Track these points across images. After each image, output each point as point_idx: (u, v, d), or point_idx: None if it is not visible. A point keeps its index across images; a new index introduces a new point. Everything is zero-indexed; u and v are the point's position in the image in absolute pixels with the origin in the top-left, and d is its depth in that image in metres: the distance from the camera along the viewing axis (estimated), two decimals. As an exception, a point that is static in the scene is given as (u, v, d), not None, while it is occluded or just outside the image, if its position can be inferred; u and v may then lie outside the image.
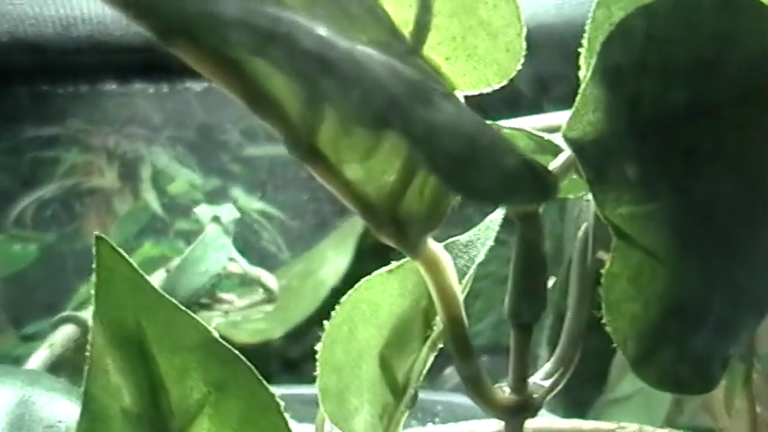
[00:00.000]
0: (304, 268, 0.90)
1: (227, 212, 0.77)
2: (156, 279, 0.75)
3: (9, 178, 1.03)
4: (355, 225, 0.90)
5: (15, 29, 0.78)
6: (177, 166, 1.06)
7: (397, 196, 0.24)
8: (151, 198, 1.06)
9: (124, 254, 0.29)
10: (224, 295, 0.76)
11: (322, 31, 0.17)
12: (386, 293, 0.31)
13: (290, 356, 0.95)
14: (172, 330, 0.29)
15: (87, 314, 0.66)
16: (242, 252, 0.85)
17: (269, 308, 0.78)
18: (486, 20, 0.28)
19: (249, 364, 0.30)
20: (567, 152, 0.31)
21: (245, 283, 0.84)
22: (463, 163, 0.18)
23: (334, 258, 0.87)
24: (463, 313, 0.28)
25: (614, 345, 0.29)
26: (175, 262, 0.73)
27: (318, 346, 0.31)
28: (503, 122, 0.33)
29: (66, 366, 0.62)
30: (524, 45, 0.29)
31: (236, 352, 0.30)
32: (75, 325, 0.64)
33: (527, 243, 0.29)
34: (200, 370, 0.29)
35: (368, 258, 0.89)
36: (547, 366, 0.32)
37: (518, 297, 0.29)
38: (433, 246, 0.26)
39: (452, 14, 0.28)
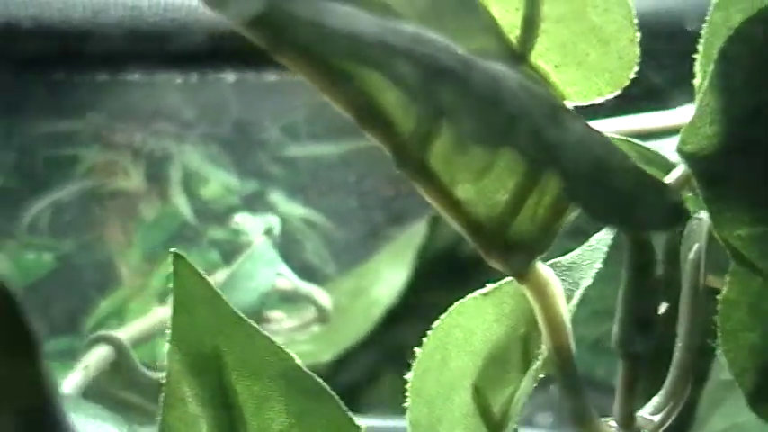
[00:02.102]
0: (355, 285, 0.92)
1: (270, 223, 0.79)
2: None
3: (22, 179, 1.05)
4: (413, 237, 0.91)
5: (40, 14, 0.80)
6: (210, 168, 1.08)
7: (508, 217, 0.26)
8: (181, 203, 1.07)
9: (203, 273, 0.31)
10: (272, 314, 0.78)
11: (458, 48, 0.19)
12: (480, 319, 0.33)
13: (339, 383, 0.97)
14: (252, 357, 0.31)
15: (122, 333, 0.68)
16: (275, 246, 0.86)
17: (316, 328, 0.79)
18: (598, 25, 0.30)
19: (333, 393, 0.32)
20: (680, 167, 0.32)
21: (288, 299, 0.86)
22: (597, 187, 0.20)
23: (389, 275, 0.89)
24: (572, 342, 0.29)
25: (701, 376, 0.31)
26: (219, 276, 0.75)
27: (409, 376, 0.33)
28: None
29: (98, 389, 0.64)
30: (638, 52, 0.30)
31: (320, 380, 0.32)
32: (109, 345, 0.66)
33: (639, 267, 0.30)
34: (282, 399, 0.31)
35: (428, 276, 0.91)
36: (655, 400, 0.34)
37: (629, 325, 0.31)
38: (543, 269, 0.28)
39: (561, 19, 0.30)
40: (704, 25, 0.32)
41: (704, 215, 0.32)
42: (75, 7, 0.80)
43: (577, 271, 0.33)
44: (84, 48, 0.91)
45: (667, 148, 0.37)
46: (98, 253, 1.06)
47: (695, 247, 0.34)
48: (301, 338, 0.82)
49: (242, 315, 0.31)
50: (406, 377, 0.33)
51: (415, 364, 0.33)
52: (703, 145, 0.30)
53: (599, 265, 0.32)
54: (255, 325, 0.31)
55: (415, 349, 0.33)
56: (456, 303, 0.33)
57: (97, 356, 0.64)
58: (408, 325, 1.03)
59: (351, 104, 0.23)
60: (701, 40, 0.32)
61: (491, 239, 0.26)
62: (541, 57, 0.30)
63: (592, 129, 0.22)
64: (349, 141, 1.08)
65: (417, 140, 0.24)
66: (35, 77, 1.04)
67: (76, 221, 1.06)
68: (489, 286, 0.33)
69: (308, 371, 0.31)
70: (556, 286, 0.29)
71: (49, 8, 0.80)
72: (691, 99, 0.34)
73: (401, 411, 0.99)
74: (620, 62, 0.30)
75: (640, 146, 0.36)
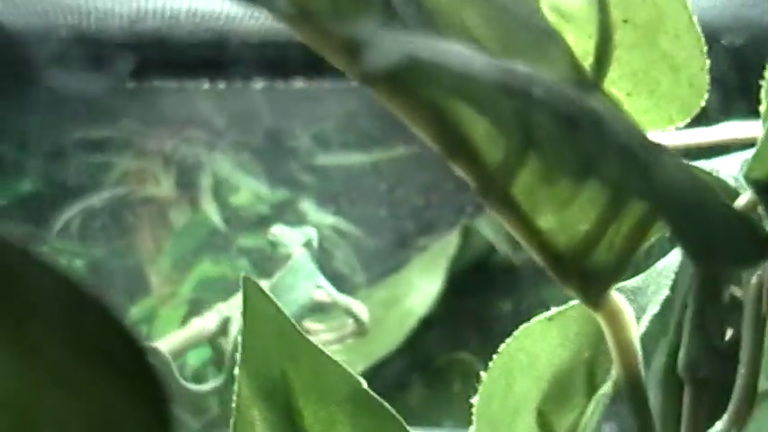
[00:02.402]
0: (387, 295, 0.92)
1: (308, 234, 0.79)
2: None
3: (53, 185, 1.06)
4: (446, 247, 0.91)
5: (78, 23, 0.81)
6: (241, 175, 1.09)
7: (587, 247, 0.26)
8: (211, 210, 1.08)
9: (272, 297, 0.31)
10: (311, 325, 0.78)
11: (559, 85, 0.19)
12: (545, 343, 0.33)
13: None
14: (319, 381, 0.31)
15: (162, 345, 0.68)
16: (314, 259, 0.86)
17: (350, 339, 0.80)
18: (669, 52, 0.30)
19: (399, 416, 0.32)
20: (746, 194, 0.32)
21: (320, 309, 0.86)
22: (697, 224, 0.20)
23: (422, 285, 0.89)
24: (642, 369, 0.29)
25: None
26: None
27: (474, 400, 0.33)
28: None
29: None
30: (707, 79, 0.31)
31: (386, 404, 0.32)
32: (151, 357, 0.66)
33: (707, 292, 0.30)
34: (349, 423, 0.31)
35: (459, 284, 0.91)
36: (719, 425, 0.34)
37: (696, 352, 0.31)
38: (616, 297, 0.28)
39: (633, 46, 0.30)
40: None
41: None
42: (113, 17, 0.80)
43: (642, 296, 0.33)
44: (121, 56, 0.92)
45: (724, 171, 0.37)
46: (128, 259, 1.07)
47: (758, 271, 0.35)
48: (336, 348, 0.82)
49: (310, 340, 0.31)
50: (472, 398, 0.33)
51: (480, 388, 0.33)
52: (771, 172, 0.30)
53: (666, 291, 0.32)
54: (324, 350, 0.31)
55: (481, 373, 0.33)
56: (521, 327, 0.33)
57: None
58: (439, 333, 1.03)
59: (440, 137, 0.24)
60: (768, 67, 0.32)
61: (569, 268, 0.26)
62: (614, 84, 0.30)
63: (681, 161, 0.23)
64: (380, 150, 1.08)
65: (503, 172, 0.24)
66: (70, 85, 1.04)
67: (107, 228, 1.07)
68: (554, 310, 0.33)
69: (375, 395, 0.31)
70: (628, 314, 0.29)
71: (87, 17, 0.81)
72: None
73: (427, 419, 0.99)
74: (691, 90, 0.30)
75: (702, 170, 0.36)
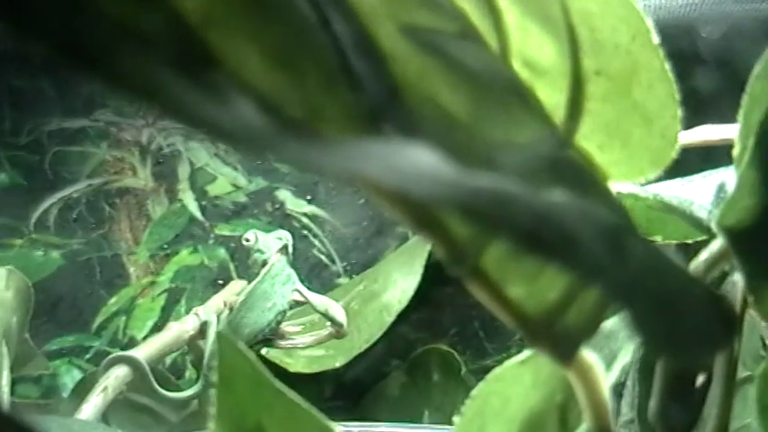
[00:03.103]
0: (365, 290, 0.92)
1: (284, 239, 0.79)
2: (213, 314, 0.77)
3: (30, 176, 1.05)
4: (424, 242, 0.91)
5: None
6: (218, 164, 1.08)
7: (557, 313, 0.26)
8: (189, 200, 1.08)
9: (246, 351, 0.31)
10: (289, 328, 0.78)
11: (524, 194, 0.19)
12: (518, 385, 0.33)
13: (345, 382, 0.98)
14: (292, 427, 0.31)
15: (139, 353, 0.68)
16: (289, 263, 0.86)
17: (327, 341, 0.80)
18: (641, 103, 0.30)
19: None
20: (718, 241, 0.32)
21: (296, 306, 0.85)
22: (660, 322, 0.20)
23: (400, 280, 0.89)
24: (612, 421, 0.30)
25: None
26: (235, 286, 0.76)
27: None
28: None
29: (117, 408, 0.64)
30: (680, 129, 0.31)
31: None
32: (127, 366, 0.66)
33: (675, 374, 0.31)
34: (322, 470, 0.31)
35: (434, 274, 0.91)
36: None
37: (667, 399, 0.31)
38: (585, 355, 0.28)
39: (606, 98, 0.30)
40: (744, 96, 0.32)
41: (738, 278, 0.32)
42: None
43: (614, 341, 0.33)
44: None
45: (698, 200, 0.37)
46: (106, 250, 1.06)
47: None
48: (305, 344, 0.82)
49: (282, 389, 0.31)
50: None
51: (454, 430, 0.33)
52: (742, 218, 0.30)
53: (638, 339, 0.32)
54: (296, 398, 0.31)
55: (454, 418, 0.33)
56: (493, 370, 0.33)
57: (115, 378, 0.65)
58: (417, 322, 1.04)
59: (410, 216, 0.23)
60: (741, 111, 0.32)
61: (539, 332, 0.27)
62: (586, 138, 0.30)
63: (656, 251, 0.23)
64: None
65: (472, 247, 0.24)
66: (41, 75, 1.04)
67: (84, 219, 1.06)
68: (525, 353, 0.34)
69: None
70: (598, 370, 0.29)
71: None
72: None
73: (407, 408, 1.00)
74: (663, 140, 0.30)
75: (673, 205, 0.37)
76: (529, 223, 0.18)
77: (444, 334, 1.07)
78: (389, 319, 0.88)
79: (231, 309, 0.75)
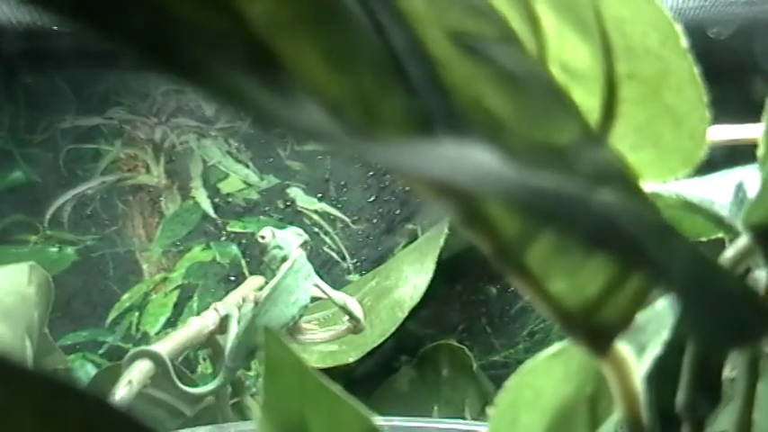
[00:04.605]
0: (378, 286, 0.93)
1: (303, 235, 0.80)
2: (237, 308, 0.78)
3: (44, 173, 1.06)
4: (436, 237, 0.92)
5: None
6: (230, 162, 1.09)
7: (595, 308, 0.27)
8: (201, 197, 1.09)
9: (289, 345, 0.32)
10: (306, 324, 0.79)
11: (577, 193, 0.20)
12: (549, 377, 0.34)
13: (355, 377, 0.99)
14: (334, 420, 0.32)
15: (161, 348, 0.69)
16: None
17: (345, 337, 0.81)
18: (671, 105, 0.31)
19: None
20: (743, 238, 0.33)
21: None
22: (711, 314, 0.21)
23: (412, 276, 0.90)
24: (644, 412, 0.31)
25: None
26: (262, 291, 0.77)
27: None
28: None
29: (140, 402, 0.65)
30: (708, 130, 0.32)
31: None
32: (150, 360, 0.67)
33: (708, 359, 0.32)
34: (362, 459, 0.32)
35: (447, 270, 0.92)
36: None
37: (695, 391, 0.32)
38: (620, 348, 0.29)
39: (638, 101, 0.31)
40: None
41: (760, 274, 0.33)
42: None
43: (642, 334, 0.34)
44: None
45: (718, 200, 0.38)
46: (119, 246, 1.07)
47: None
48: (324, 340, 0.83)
49: (325, 383, 0.32)
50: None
51: (489, 423, 0.34)
52: (767, 215, 0.31)
53: (665, 333, 0.33)
54: (338, 390, 0.32)
55: (488, 409, 0.34)
56: (526, 363, 0.34)
57: (139, 372, 0.66)
58: (426, 318, 1.05)
59: (459, 211, 0.24)
60: (766, 112, 0.33)
61: (577, 326, 0.28)
62: (619, 139, 0.31)
63: (696, 247, 0.24)
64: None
65: (518, 244, 0.25)
66: (56, 74, 1.05)
67: (98, 215, 1.07)
68: (557, 346, 0.35)
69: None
70: (631, 362, 0.30)
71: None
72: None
73: (416, 403, 1.00)
74: (692, 141, 0.31)
75: (694, 203, 0.38)
76: (591, 223, 0.19)
77: (452, 330, 1.08)
78: (402, 315, 0.89)
79: (256, 303, 0.75)
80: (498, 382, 1.05)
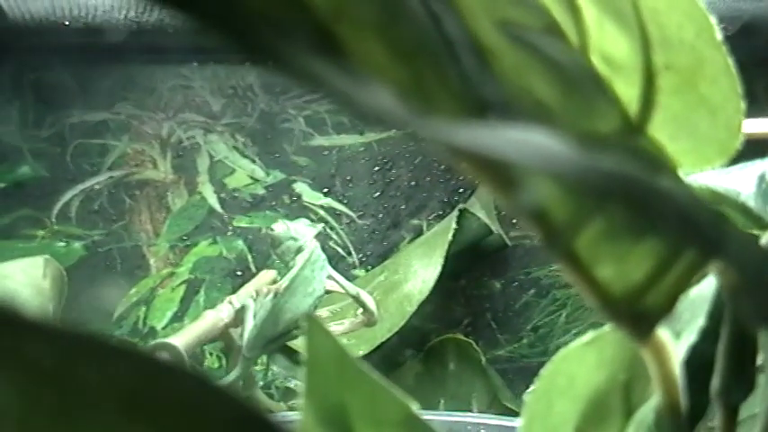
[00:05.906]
0: (386, 280, 0.94)
1: (311, 226, 0.80)
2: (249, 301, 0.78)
3: (52, 168, 1.06)
4: (444, 231, 0.93)
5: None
6: (236, 157, 1.09)
7: (640, 294, 0.27)
8: (208, 192, 1.09)
9: (330, 332, 0.32)
10: (318, 314, 0.79)
11: (635, 174, 0.20)
12: (582, 365, 0.35)
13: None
14: (375, 406, 0.33)
15: (177, 341, 0.69)
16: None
17: (359, 329, 0.81)
18: (707, 96, 0.31)
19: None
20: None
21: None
22: (757, 286, 0.22)
23: (421, 271, 0.90)
24: (683, 400, 0.31)
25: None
26: (265, 276, 0.77)
27: (518, 423, 0.34)
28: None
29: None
30: (743, 120, 0.32)
31: (434, 429, 0.33)
32: (167, 353, 0.67)
33: (740, 319, 0.32)
34: (401, 444, 0.33)
35: (454, 265, 0.92)
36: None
37: (729, 378, 0.32)
38: (661, 334, 0.30)
39: (675, 91, 0.31)
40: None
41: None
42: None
43: (677, 322, 0.35)
44: (112, 39, 0.92)
45: (743, 191, 0.39)
46: (127, 241, 1.07)
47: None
48: (334, 331, 0.83)
49: (365, 370, 0.32)
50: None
51: (524, 409, 0.34)
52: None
53: (701, 321, 0.34)
54: (379, 378, 0.32)
55: (524, 396, 0.35)
56: (560, 351, 0.35)
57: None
58: (433, 312, 1.05)
59: (514, 202, 0.25)
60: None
61: (622, 312, 0.28)
62: (657, 129, 0.31)
63: (741, 233, 0.24)
64: (373, 131, 1.09)
65: (569, 230, 0.26)
66: (63, 69, 1.05)
67: (105, 210, 1.07)
68: (590, 334, 0.35)
69: (424, 420, 0.33)
70: (673, 351, 0.30)
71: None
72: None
73: (423, 397, 1.01)
74: (728, 132, 0.32)
75: (721, 194, 0.38)
76: (659, 204, 0.19)
77: (457, 324, 1.08)
78: (411, 309, 0.89)
79: (275, 294, 0.75)
80: (503, 376, 1.06)
